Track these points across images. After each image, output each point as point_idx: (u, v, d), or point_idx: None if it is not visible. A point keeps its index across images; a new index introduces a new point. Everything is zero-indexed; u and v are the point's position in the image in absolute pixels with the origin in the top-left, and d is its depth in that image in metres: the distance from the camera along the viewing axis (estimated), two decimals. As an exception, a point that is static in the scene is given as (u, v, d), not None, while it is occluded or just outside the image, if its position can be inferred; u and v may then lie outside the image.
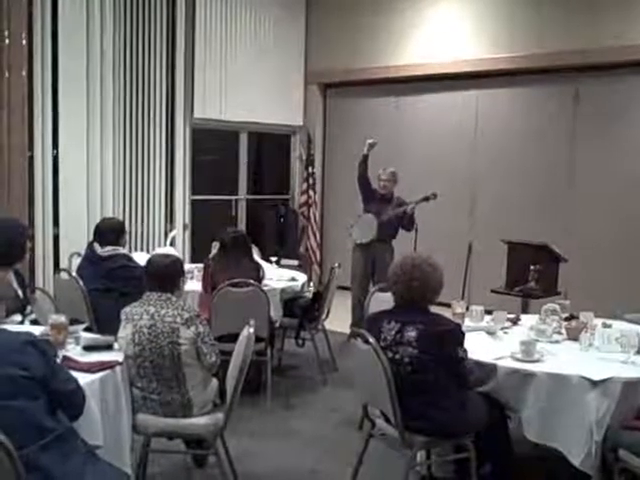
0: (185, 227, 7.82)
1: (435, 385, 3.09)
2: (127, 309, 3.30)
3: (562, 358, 3.42)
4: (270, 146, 9.58)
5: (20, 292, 3.87)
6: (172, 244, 6.83)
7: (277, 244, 8.71)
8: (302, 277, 5.72)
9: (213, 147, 8.89)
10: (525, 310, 5.12)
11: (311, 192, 8.79)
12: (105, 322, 4.11)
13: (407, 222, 6.27)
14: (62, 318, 3.22)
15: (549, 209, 7.31)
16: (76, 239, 6.44)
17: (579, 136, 7.20)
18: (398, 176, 6.41)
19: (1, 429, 2.12)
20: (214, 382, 3.41)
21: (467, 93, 7.90)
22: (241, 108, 8.23)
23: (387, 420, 3.26)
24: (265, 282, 5.04)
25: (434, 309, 3.25)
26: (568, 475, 3.23)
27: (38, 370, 2.41)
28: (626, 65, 6.74)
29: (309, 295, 5.62)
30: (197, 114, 7.82)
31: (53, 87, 6.52)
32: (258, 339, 4.16)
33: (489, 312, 4.16)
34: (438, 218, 7.37)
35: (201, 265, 5.18)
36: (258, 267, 4.99)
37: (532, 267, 5.19)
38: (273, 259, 6.09)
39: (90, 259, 4.78)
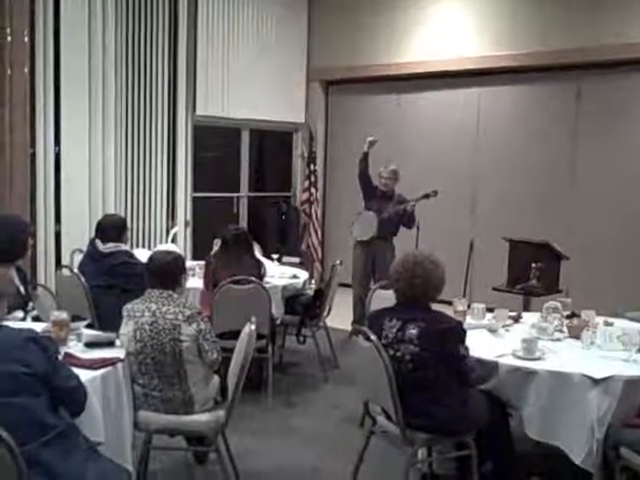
0: (187, 224, 7.82)
1: (436, 383, 3.09)
2: (129, 306, 3.30)
3: (563, 356, 3.42)
4: (272, 143, 9.57)
5: (22, 289, 3.87)
6: (174, 241, 6.82)
7: (279, 241, 8.71)
8: (303, 274, 5.72)
9: (215, 144, 8.89)
10: (526, 308, 5.11)
11: (313, 189, 8.79)
12: (107, 319, 4.12)
13: (407, 219, 6.27)
14: (64, 315, 3.22)
15: (551, 207, 7.31)
16: (78, 236, 6.44)
17: (581, 134, 7.19)
18: (399, 174, 6.42)
19: (3, 426, 2.13)
20: (215, 379, 3.41)
21: (469, 91, 7.89)
22: (243, 105, 8.23)
23: (388, 417, 3.25)
24: (266, 279, 5.04)
25: (436, 307, 3.25)
26: (569, 473, 3.23)
27: (40, 367, 2.41)
28: (628, 63, 6.73)
29: (310, 292, 5.62)
30: (199, 111, 7.82)
31: (55, 84, 6.51)
32: (259, 336, 4.17)
33: (490, 310, 4.16)
34: (440, 216, 7.38)
35: (202, 262, 5.18)
36: (259, 264, 4.99)
37: (533, 265, 5.19)
38: (275, 256, 6.09)
39: (92, 256, 4.79)
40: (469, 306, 4.16)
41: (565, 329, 3.81)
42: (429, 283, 3.18)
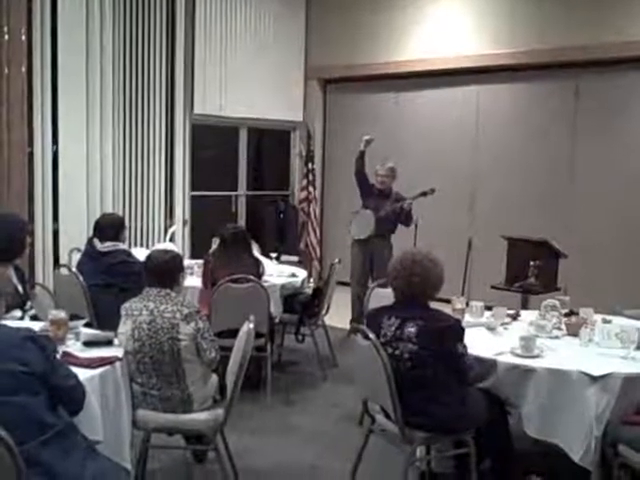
0: (185, 223, 7.81)
1: (435, 381, 3.09)
2: (127, 305, 3.30)
3: (562, 354, 3.42)
4: (270, 142, 9.57)
5: (20, 288, 3.87)
6: (172, 240, 6.83)
7: (277, 240, 8.71)
8: (302, 273, 5.72)
9: (213, 143, 8.88)
10: (525, 306, 5.12)
11: (311, 188, 8.79)
12: (105, 318, 4.12)
13: (405, 217, 6.28)
14: (62, 314, 3.22)
15: (549, 205, 7.31)
16: (76, 235, 6.43)
17: (580, 132, 7.19)
18: (397, 171, 6.42)
19: (2, 425, 2.13)
20: (214, 378, 3.41)
21: (468, 89, 7.89)
22: (241, 104, 8.23)
23: (387, 416, 3.25)
24: (265, 278, 5.04)
25: (434, 305, 3.25)
26: (568, 471, 3.23)
27: (38, 366, 2.41)
28: (627, 61, 6.73)
29: (309, 291, 5.63)
30: (197, 110, 7.82)
31: (52, 83, 6.50)
32: (258, 335, 4.17)
33: (489, 308, 4.16)
34: (438, 214, 7.38)
35: (201, 261, 5.17)
36: (258, 263, 4.99)
37: (532, 263, 5.19)
38: (273, 255, 6.09)
39: (90, 254, 4.78)
40: (467, 304, 4.16)
41: (563, 327, 3.81)
42: (427, 281, 3.18)
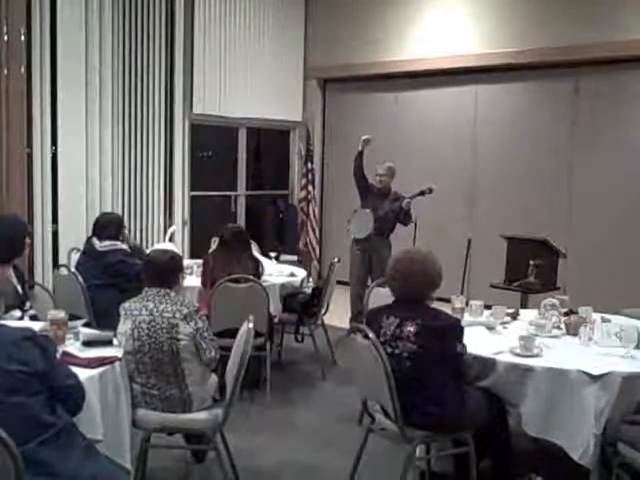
0: (184, 223, 7.81)
1: (434, 380, 3.09)
2: (126, 304, 3.30)
3: (561, 353, 3.42)
4: (269, 142, 9.57)
5: (19, 288, 3.87)
6: (171, 240, 6.82)
7: (276, 240, 8.71)
8: (301, 272, 5.72)
9: (212, 143, 8.89)
10: (524, 305, 5.12)
11: (310, 187, 8.79)
12: (104, 317, 4.12)
13: (404, 217, 6.28)
14: (61, 314, 3.22)
15: (548, 204, 7.31)
16: (75, 235, 6.42)
17: (578, 131, 7.19)
18: (395, 171, 6.42)
19: (1, 425, 2.12)
20: (213, 377, 3.41)
21: (466, 88, 7.89)
22: (240, 104, 8.23)
23: (386, 415, 3.26)
24: (264, 278, 5.04)
25: (433, 304, 3.25)
26: (567, 469, 3.23)
27: (38, 366, 2.41)
28: (626, 60, 6.72)
29: (308, 290, 5.63)
30: (196, 110, 7.81)
31: (52, 83, 6.50)
32: (257, 334, 4.16)
33: (488, 307, 4.16)
34: (437, 213, 7.38)
35: (200, 261, 5.17)
36: (257, 263, 4.99)
37: (531, 262, 5.19)
38: (272, 255, 6.09)
39: (89, 253, 4.79)
40: (467, 303, 4.16)
41: (563, 326, 3.81)
42: (426, 281, 3.18)
